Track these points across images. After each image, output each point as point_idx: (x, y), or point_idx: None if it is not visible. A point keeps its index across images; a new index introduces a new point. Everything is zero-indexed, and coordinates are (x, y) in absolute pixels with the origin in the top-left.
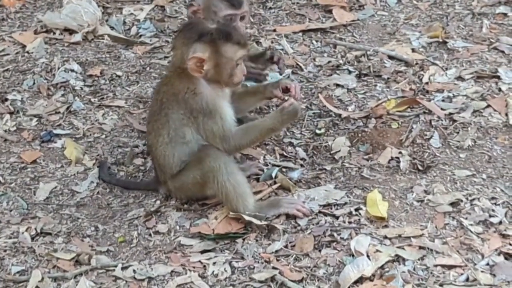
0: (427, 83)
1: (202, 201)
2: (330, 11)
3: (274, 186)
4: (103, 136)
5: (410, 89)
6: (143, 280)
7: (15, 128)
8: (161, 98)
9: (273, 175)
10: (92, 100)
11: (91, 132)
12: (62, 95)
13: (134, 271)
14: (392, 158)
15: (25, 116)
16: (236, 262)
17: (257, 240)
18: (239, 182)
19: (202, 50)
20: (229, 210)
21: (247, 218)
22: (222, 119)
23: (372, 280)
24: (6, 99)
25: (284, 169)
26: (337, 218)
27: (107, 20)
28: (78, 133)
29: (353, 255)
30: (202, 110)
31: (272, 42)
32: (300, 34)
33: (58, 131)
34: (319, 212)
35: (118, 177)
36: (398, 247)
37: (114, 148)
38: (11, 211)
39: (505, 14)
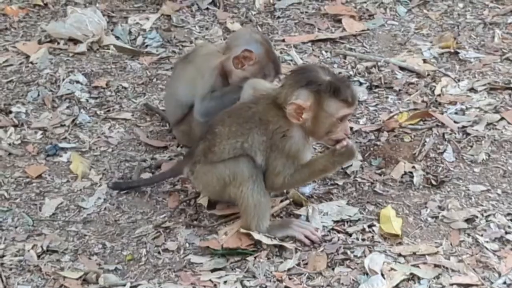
0: (439, 95)
1: (211, 209)
2: (340, 21)
3: (285, 203)
4: (110, 150)
5: (422, 101)
6: None
7: (19, 141)
8: (254, 111)
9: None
10: (98, 112)
11: (97, 146)
12: (67, 107)
13: None
14: (405, 173)
15: (30, 129)
16: (248, 281)
17: (268, 258)
18: (261, 202)
19: (305, 98)
20: (241, 224)
21: (256, 236)
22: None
23: None
24: (10, 112)
25: None
26: (350, 235)
27: (112, 30)
28: (84, 146)
29: (367, 274)
30: (283, 151)
31: (281, 53)
32: (309, 44)
33: (63, 144)
34: (332, 229)
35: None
36: (413, 265)
37: (121, 162)
38: (16, 227)
39: None
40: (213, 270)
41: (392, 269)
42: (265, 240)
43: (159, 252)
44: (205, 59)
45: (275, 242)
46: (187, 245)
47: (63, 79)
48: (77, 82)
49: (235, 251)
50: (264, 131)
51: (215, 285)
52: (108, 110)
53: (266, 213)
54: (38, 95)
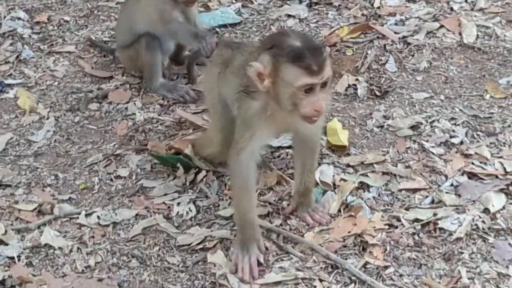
0: (378, 7)
1: None
2: None
3: None
4: (56, 83)
5: (362, 14)
6: (108, 225)
7: None
8: (244, 58)
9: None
10: (42, 47)
11: (43, 80)
12: (11, 44)
13: (98, 217)
14: (349, 86)
15: None
16: (201, 201)
17: (218, 177)
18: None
19: (264, 62)
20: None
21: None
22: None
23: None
24: None
25: None
26: None
27: None
28: (30, 81)
29: (317, 184)
30: (240, 113)
31: None
32: None
33: (9, 81)
34: (280, 147)
35: None
36: (362, 174)
37: (68, 94)
38: None
39: None
40: (166, 194)
41: (342, 179)
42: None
43: (111, 179)
44: None
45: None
46: (138, 170)
47: (4, 17)
48: (19, 18)
49: (174, 157)
50: (237, 83)
51: (168, 207)
52: (52, 45)
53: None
54: None
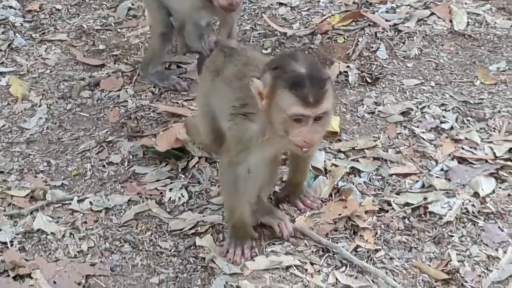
0: None
1: None
2: None
3: None
4: (48, 71)
5: (353, 2)
6: (100, 211)
7: None
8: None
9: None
10: (34, 35)
11: (35, 68)
12: (3, 33)
13: (90, 203)
14: (340, 73)
15: None
16: (193, 186)
17: (210, 164)
18: None
19: (264, 81)
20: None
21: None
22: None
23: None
24: None
25: None
26: None
27: None
28: (22, 69)
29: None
30: (233, 138)
31: None
32: None
33: (1, 69)
34: None
35: None
36: (353, 160)
37: (60, 82)
38: None
39: None
40: (158, 180)
41: (333, 164)
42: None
43: (103, 166)
44: None
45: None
46: (130, 157)
47: None
48: (10, 7)
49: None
50: (228, 94)
51: (161, 193)
52: (44, 33)
53: None
54: None
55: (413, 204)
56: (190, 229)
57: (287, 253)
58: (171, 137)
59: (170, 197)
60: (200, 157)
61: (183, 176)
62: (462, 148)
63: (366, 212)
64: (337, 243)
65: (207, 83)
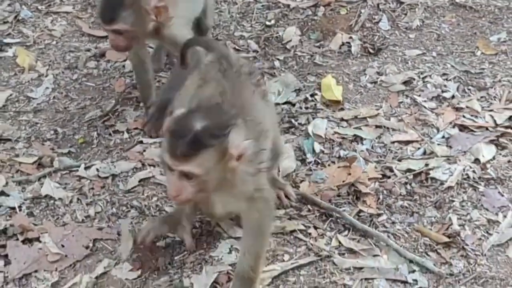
0: None
1: None
2: None
3: None
4: (54, 42)
5: None
6: (107, 177)
7: None
8: None
9: None
10: (39, 7)
11: (42, 39)
12: (9, 5)
13: (97, 169)
14: (343, 44)
15: None
16: None
17: None
18: None
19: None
20: None
21: None
22: None
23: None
24: None
25: None
26: (294, 105)
27: None
28: (28, 41)
29: (310, 137)
30: None
31: None
32: None
33: (8, 40)
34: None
35: None
36: (356, 128)
37: (66, 53)
38: None
39: None
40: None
41: (335, 132)
42: None
43: (110, 134)
44: None
45: None
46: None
47: None
48: None
49: None
50: None
51: None
52: (49, 5)
53: None
54: None
55: (414, 170)
56: None
57: (291, 218)
58: None
59: None
60: None
61: None
62: (463, 116)
63: (369, 179)
64: (340, 208)
65: (192, 86)
